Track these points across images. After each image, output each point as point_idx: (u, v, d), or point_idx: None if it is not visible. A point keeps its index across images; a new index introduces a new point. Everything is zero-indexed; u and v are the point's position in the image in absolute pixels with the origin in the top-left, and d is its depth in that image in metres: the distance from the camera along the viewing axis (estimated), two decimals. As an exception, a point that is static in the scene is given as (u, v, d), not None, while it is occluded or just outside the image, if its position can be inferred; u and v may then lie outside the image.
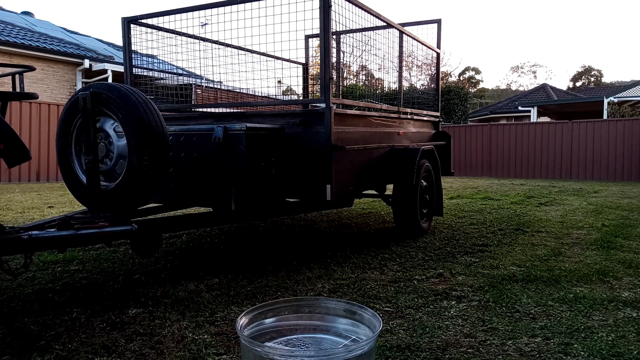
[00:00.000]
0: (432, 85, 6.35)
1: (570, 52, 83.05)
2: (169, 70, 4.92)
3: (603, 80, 51.92)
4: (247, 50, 4.88)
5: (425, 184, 4.94)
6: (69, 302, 2.88)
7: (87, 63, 15.11)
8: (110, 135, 3.05)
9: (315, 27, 3.72)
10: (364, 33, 4.62)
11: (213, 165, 3.38)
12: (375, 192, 5.14)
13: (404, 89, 5.37)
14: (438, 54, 6.21)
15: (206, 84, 5.43)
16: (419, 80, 6.32)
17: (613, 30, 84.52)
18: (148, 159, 2.85)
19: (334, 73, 3.70)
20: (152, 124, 2.88)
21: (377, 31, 4.76)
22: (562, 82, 72.40)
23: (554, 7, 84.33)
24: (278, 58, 5.32)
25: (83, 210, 3.48)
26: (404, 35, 5.18)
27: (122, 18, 4.48)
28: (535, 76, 67.09)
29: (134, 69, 4.61)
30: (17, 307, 2.79)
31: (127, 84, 4.54)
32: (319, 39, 3.78)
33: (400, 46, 5.18)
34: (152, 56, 4.75)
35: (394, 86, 5.22)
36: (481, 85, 52.57)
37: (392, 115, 4.88)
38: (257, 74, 4.41)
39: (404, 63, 5.31)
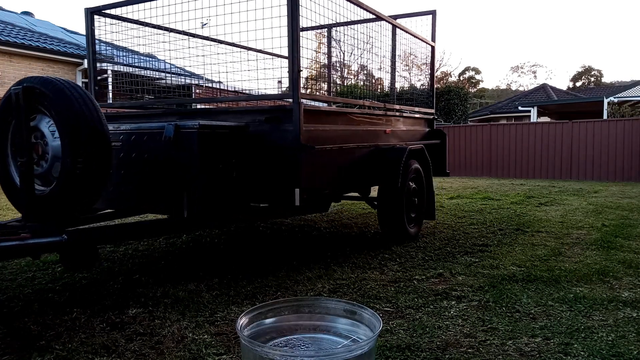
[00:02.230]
0: (427, 81, 6.10)
1: (570, 52, 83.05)
2: (136, 65, 4.56)
3: (603, 80, 51.92)
4: (222, 42, 4.58)
5: (413, 185, 4.68)
6: (69, 302, 2.88)
7: (87, 63, 15.11)
8: (45, 134, 2.74)
9: (308, 18, 3.50)
10: (352, 27, 4.42)
11: (165, 168, 3.06)
12: (358, 195, 4.89)
13: (395, 84, 5.15)
14: (433, 48, 5.90)
15: (182, 80, 5.11)
16: (412, 75, 6.04)
17: (613, 30, 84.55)
18: (83, 160, 2.56)
19: (303, 65, 3.48)
20: (90, 122, 2.59)
21: (367, 24, 4.59)
22: (562, 82, 72.41)
23: (554, 7, 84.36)
24: (263, 52, 4.94)
25: (18, 219, 3.12)
26: (396, 29, 5.00)
27: (85, 9, 4.22)
28: (535, 76, 67.06)
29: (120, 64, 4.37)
30: (17, 307, 2.79)
31: (90, 78, 4.30)
32: (312, 32, 3.70)
33: (393, 40, 4.99)
34: (133, 50, 4.46)
35: (386, 82, 5.09)
36: (481, 85, 52.56)
37: (378, 112, 4.59)
38: (241, 69, 4.11)
39: (395, 58, 5.11)
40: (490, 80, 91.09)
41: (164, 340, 2.32)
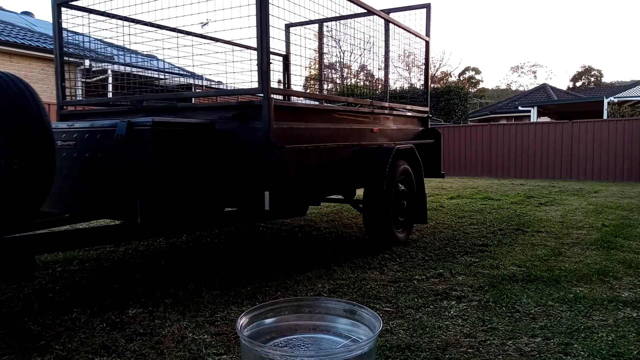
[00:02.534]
0: (421, 78, 5.83)
1: (570, 52, 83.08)
2: (106, 59, 4.37)
3: (603, 80, 51.93)
4: (191, 34, 4.31)
5: (402, 188, 4.46)
6: (69, 302, 2.88)
7: (87, 63, 15.12)
8: None
9: (297, 13, 3.36)
10: (343, 22, 4.26)
11: (118, 169, 2.82)
12: (342, 197, 4.65)
13: (388, 81, 4.95)
14: (427, 43, 5.62)
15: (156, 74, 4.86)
16: (405, 72, 5.88)
17: (613, 30, 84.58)
18: (20, 161, 2.33)
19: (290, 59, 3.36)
20: (30, 119, 2.38)
21: (358, 19, 4.44)
22: (562, 82, 72.42)
23: (554, 7, 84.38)
24: (233, 44, 4.66)
25: None
26: (389, 23, 4.84)
27: (52, 1, 3.99)
28: (535, 76, 67.07)
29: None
30: (17, 307, 2.79)
31: (57, 74, 4.09)
32: (301, 27, 3.60)
33: (386, 36, 4.79)
34: (104, 42, 4.20)
35: (376, 79, 4.97)
36: (481, 85, 52.58)
37: (364, 110, 4.36)
38: (213, 63, 3.88)
39: (388, 54, 4.91)
40: (490, 80, 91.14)
41: (164, 340, 2.32)
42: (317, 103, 4.33)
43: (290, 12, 3.37)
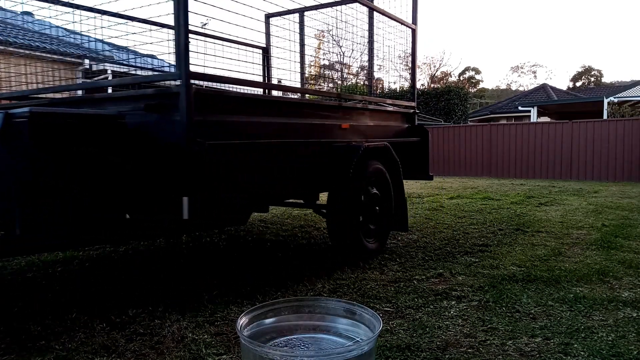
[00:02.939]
0: (407, 70, 5.39)
1: (570, 52, 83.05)
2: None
3: (603, 80, 51.93)
4: (97, 11, 3.85)
5: (374, 191, 4.01)
6: (69, 302, 2.88)
7: (87, 63, 15.13)
8: None
9: (278, 3, 3.14)
10: (322, 11, 4.03)
11: None
12: (302, 202, 4.26)
13: (366, 74, 4.55)
14: (414, 31, 5.17)
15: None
16: (388, 63, 5.28)
17: (613, 30, 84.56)
18: None
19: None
20: None
21: (339, 7, 4.20)
22: (562, 82, 72.43)
23: (554, 7, 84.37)
24: (149, 22, 4.23)
25: None
26: (373, 12, 4.54)
27: None
28: (535, 76, 67.03)
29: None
30: (17, 307, 2.79)
31: None
32: (282, 17, 3.32)
33: (370, 25, 4.48)
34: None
35: (354, 71, 4.66)
36: (481, 85, 52.59)
37: (326, 103, 3.93)
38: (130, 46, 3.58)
39: (373, 45, 4.59)
40: (490, 80, 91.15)
41: (164, 340, 2.32)
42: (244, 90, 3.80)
43: (269, 2, 3.11)
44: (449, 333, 2.40)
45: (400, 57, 5.23)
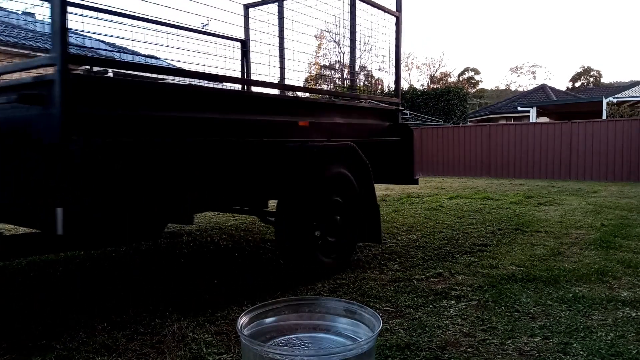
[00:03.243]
0: (390, 62, 4.85)
1: (569, 53, 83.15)
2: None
3: (602, 80, 51.99)
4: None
5: (335, 198, 3.50)
6: (69, 302, 2.89)
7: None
8: None
9: None
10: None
11: None
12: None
13: (346, 66, 4.20)
14: (398, 18, 4.71)
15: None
16: (367, 53, 4.89)
17: (612, 31, 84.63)
18: None
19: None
20: None
21: None
22: (561, 83, 72.53)
23: (554, 7, 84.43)
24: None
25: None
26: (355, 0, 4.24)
27: None
28: (534, 76, 67.01)
29: None
30: (18, 307, 2.80)
31: None
32: (262, 7, 2.94)
33: (352, 14, 4.20)
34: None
35: (327, 62, 4.18)
36: (480, 86, 52.65)
37: (280, 97, 3.51)
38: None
39: (355, 36, 4.23)
40: (490, 80, 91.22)
41: (165, 339, 2.33)
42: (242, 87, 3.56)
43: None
44: (448, 332, 2.40)
45: (383, 48, 4.72)
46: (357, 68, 4.54)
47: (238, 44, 5.18)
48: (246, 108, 3.07)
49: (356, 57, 4.49)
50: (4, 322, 2.55)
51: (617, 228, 5.19)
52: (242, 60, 5.17)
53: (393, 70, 4.82)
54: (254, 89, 4.16)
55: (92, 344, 2.26)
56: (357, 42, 4.41)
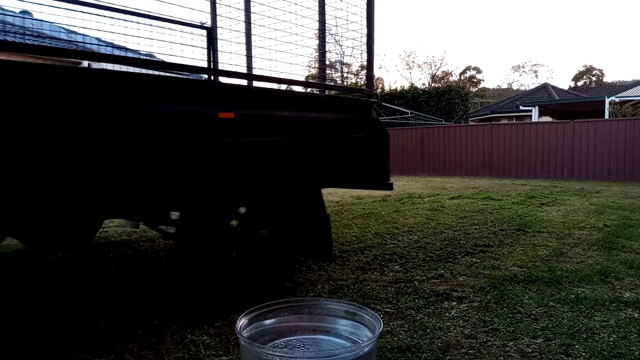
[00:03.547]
0: (359, 44, 4.06)
1: (571, 52, 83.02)
2: None
3: (604, 79, 51.92)
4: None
5: (260, 209, 2.88)
6: (69, 302, 2.87)
7: (86, 62, 15.15)
8: None
9: None
10: None
11: None
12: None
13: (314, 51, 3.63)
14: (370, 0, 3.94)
15: None
16: (331, 37, 4.22)
17: (615, 30, 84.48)
18: None
19: None
20: None
21: None
22: (564, 82, 72.43)
23: (555, 6, 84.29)
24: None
25: None
26: None
27: None
28: (536, 76, 66.87)
29: None
30: (17, 307, 2.79)
31: None
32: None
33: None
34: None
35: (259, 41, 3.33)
36: (482, 85, 52.63)
37: (187, 82, 2.83)
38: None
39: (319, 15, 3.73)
40: (492, 79, 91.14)
41: (163, 341, 2.32)
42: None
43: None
44: (449, 334, 2.38)
45: (355, 30, 3.98)
46: (327, 55, 4.01)
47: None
48: (128, 94, 2.35)
49: (325, 43, 3.94)
50: (2, 323, 2.54)
51: (620, 228, 5.16)
52: (208, 48, 4.71)
53: (365, 56, 4.05)
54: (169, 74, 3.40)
55: (90, 345, 2.25)
56: (326, 25, 3.86)
